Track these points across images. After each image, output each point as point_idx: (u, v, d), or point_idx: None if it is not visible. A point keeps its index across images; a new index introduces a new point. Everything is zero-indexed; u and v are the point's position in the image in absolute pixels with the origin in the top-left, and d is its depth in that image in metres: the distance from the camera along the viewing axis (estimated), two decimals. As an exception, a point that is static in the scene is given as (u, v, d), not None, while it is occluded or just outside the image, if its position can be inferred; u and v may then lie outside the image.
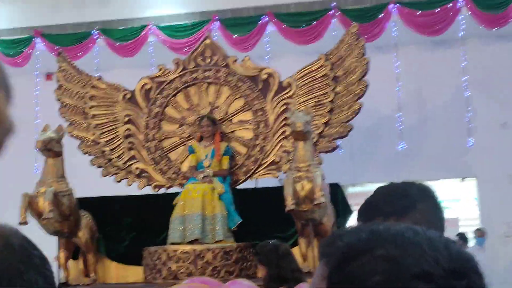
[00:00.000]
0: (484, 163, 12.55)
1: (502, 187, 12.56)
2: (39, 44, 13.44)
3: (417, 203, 2.27)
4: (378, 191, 2.37)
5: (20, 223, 7.97)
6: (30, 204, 8.14)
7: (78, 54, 13.03)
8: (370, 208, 2.32)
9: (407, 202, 2.26)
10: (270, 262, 5.18)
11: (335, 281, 1.05)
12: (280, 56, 12.53)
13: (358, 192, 12.93)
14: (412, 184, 2.37)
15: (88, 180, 10.22)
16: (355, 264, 1.03)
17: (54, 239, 8.91)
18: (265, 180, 9.65)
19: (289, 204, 7.75)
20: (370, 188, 13.49)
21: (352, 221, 9.67)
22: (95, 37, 13.33)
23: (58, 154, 8.50)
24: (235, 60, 9.60)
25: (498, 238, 12.30)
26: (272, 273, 5.12)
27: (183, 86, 9.64)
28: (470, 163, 12.65)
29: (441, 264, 1.01)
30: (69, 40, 13.36)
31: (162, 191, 9.61)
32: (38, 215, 8.19)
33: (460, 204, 13.82)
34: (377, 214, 2.23)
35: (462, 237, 11.64)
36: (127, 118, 9.71)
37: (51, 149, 8.31)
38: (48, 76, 13.72)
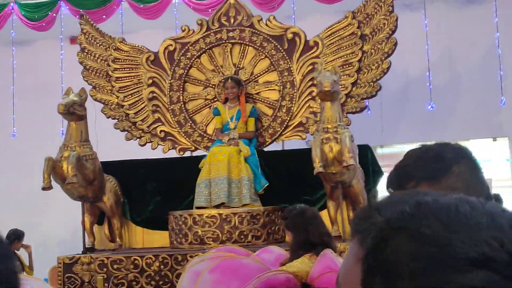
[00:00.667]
0: (517, 122, 12.26)
1: (535, 147, 12.29)
2: (63, 8, 13.28)
3: (452, 165, 2.08)
4: (409, 154, 2.19)
5: (43, 188, 7.89)
6: (54, 168, 8.04)
7: (103, 17, 12.84)
8: (400, 173, 2.14)
9: (441, 165, 2.09)
10: (297, 227, 4.96)
11: (371, 265, 0.85)
12: (306, 15, 12.26)
13: (387, 154, 12.71)
14: (446, 145, 2.17)
15: (113, 144, 10.14)
16: (393, 244, 0.83)
17: (79, 204, 8.84)
18: (292, 142, 9.48)
19: (317, 166, 7.56)
20: (399, 149, 13.32)
21: (383, 183, 9.49)
22: (119, -1, 13.14)
23: (81, 118, 8.38)
24: (260, 20, 9.37)
25: (531, 199, 12.01)
26: (300, 238, 4.90)
27: (207, 47, 9.45)
28: (502, 122, 12.36)
29: (506, 247, 0.80)
30: (93, 3, 13.17)
31: (187, 154, 9.49)
32: (62, 179, 8.09)
33: (492, 164, 13.53)
34: (408, 180, 2.06)
35: (497, 198, 11.31)
36: (150, 81, 9.56)
37: (74, 112, 8.20)
38: (73, 40, 13.57)
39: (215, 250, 5.56)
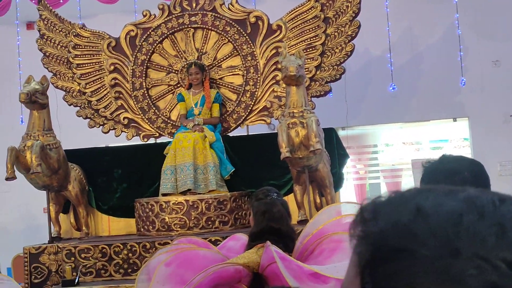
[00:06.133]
0: (476, 102, 12.37)
1: (495, 127, 12.41)
2: (18, -8, 13.02)
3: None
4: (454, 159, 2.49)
5: (7, 179, 7.77)
6: (17, 158, 7.90)
7: (60, 2, 12.63)
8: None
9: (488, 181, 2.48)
10: (260, 219, 4.48)
11: (369, 284, 0.78)
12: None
13: (350, 135, 12.75)
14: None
15: (77, 132, 10.02)
16: (390, 269, 0.75)
17: (40, 193, 8.71)
18: (256, 127, 9.45)
19: (284, 151, 7.56)
20: (362, 131, 13.37)
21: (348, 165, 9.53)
22: (76, -17, 12.91)
23: (43, 106, 8.25)
24: (222, 4, 9.30)
25: (492, 178, 12.11)
26: (259, 230, 4.52)
27: (169, 32, 9.36)
28: (462, 103, 12.47)
29: None
30: (49, -13, 12.94)
31: (151, 141, 9.42)
32: (26, 169, 7.96)
33: (452, 145, 13.65)
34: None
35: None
36: (112, 67, 9.44)
37: (36, 101, 8.06)
38: (29, 25, 13.36)
39: (177, 241, 5.47)
